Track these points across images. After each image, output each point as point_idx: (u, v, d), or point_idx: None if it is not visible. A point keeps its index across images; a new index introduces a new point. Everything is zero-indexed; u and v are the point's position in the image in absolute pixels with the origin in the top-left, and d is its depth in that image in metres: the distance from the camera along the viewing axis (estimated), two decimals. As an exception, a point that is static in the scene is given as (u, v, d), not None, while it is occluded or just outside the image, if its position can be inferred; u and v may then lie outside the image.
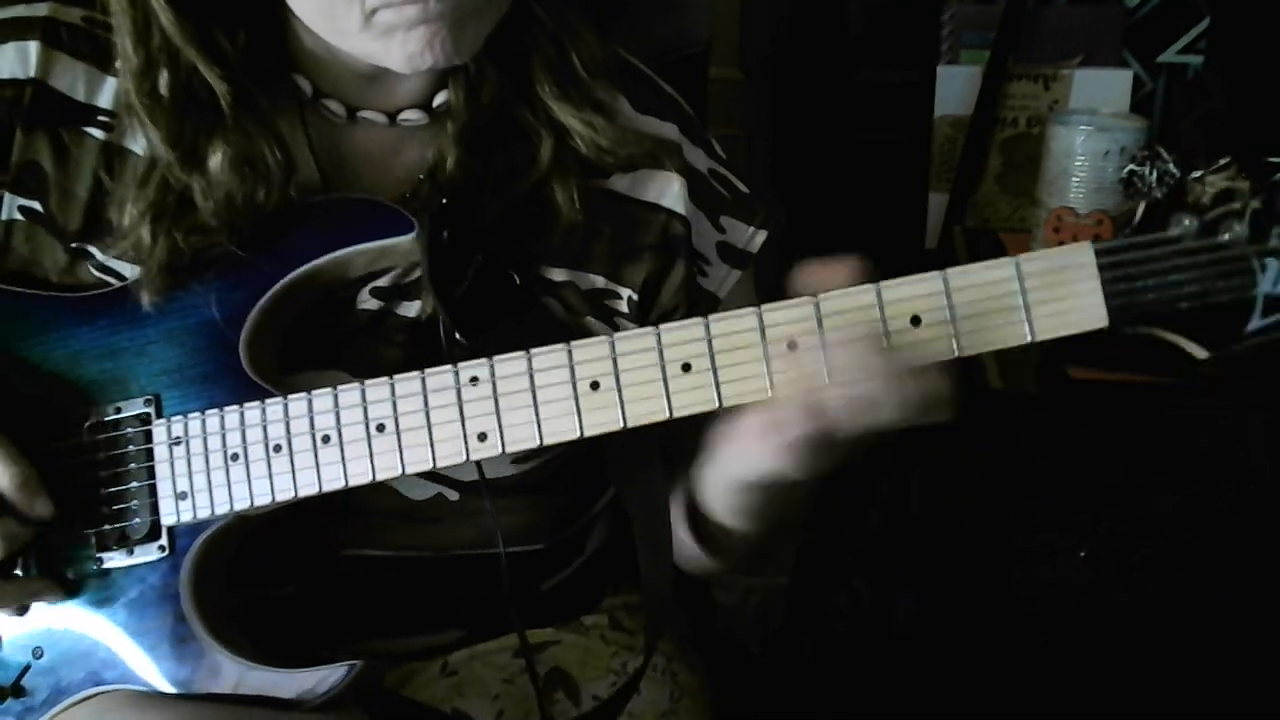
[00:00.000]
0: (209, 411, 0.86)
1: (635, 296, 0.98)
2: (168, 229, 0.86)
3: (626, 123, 0.97)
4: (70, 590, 0.88)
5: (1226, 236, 0.73)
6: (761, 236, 1.04)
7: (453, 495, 0.95)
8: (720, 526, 0.95)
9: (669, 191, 0.98)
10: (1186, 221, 0.74)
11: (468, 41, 0.84)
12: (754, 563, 1.06)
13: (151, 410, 0.87)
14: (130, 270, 0.90)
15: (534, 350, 0.80)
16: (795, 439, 0.76)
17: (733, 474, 0.87)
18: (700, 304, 1.00)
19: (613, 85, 0.96)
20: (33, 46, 0.89)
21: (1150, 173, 1.53)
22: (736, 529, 0.95)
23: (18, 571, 0.87)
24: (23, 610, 0.88)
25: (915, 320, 0.76)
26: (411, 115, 0.94)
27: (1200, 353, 0.76)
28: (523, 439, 0.80)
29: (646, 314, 0.99)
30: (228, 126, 0.86)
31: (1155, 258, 0.74)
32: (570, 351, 0.79)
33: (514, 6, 0.89)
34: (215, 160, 0.86)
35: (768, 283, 1.08)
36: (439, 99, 0.94)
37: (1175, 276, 0.73)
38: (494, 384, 0.80)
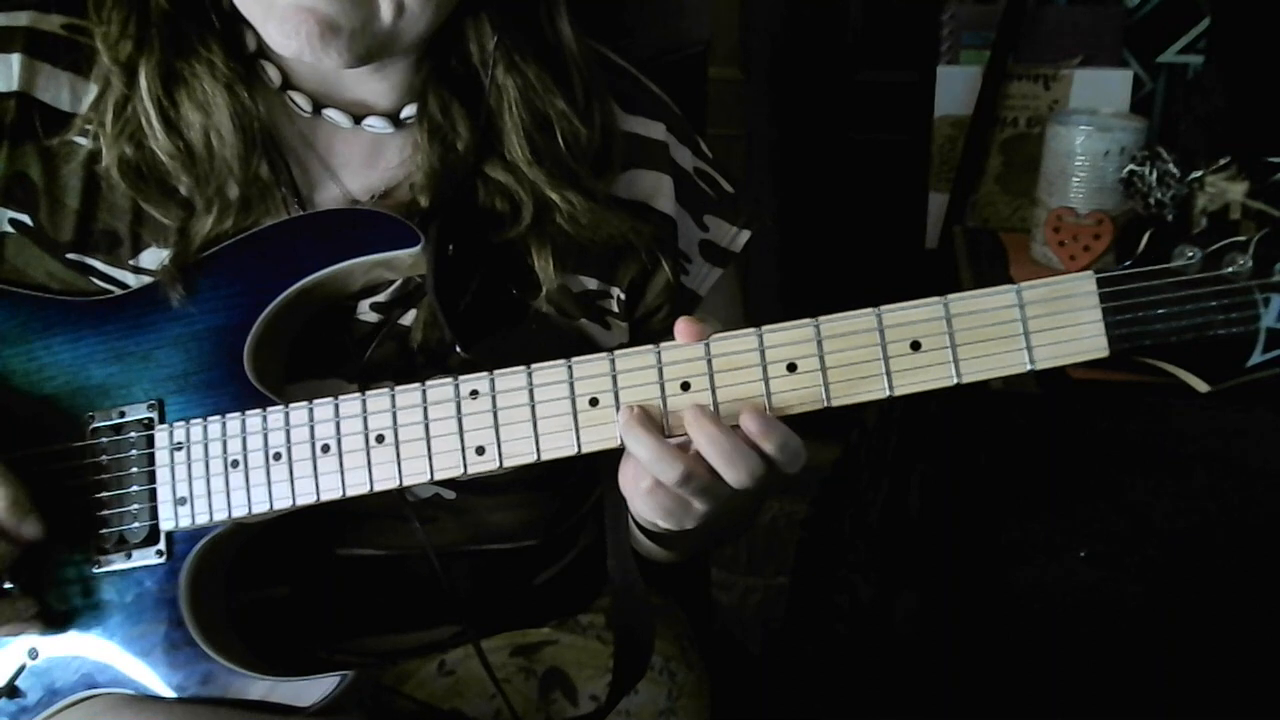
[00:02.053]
0: (211, 418, 0.86)
1: (623, 296, 0.98)
2: (120, 134, 0.88)
3: (619, 124, 0.97)
4: (55, 621, 0.88)
5: (1230, 270, 0.73)
6: (745, 236, 1.04)
7: (449, 495, 0.95)
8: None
9: (658, 192, 0.99)
10: (1190, 253, 0.73)
11: (340, 48, 0.84)
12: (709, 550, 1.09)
13: (154, 415, 0.87)
14: (135, 280, 0.90)
15: (534, 366, 0.80)
16: (652, 487, 0.80)
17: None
18: (682, 302, 1.00)
19: (594, 174, 0.96)
20: (15, 59, 0.89)
21: (1150, 173, 1.53)
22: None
23: (8, 585, 0.87)
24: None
25: (915, 345, 0.76)
26: (375, 122, 0.94)
27: (1202, 386, 0.76)
28: (521, 454, 0.81)
29: (632, 313, 0.99)
30: (153, 46, 0.87)
31: (1157, 289, 0.74)
32: (570, 368, 0.80)
33: (483, 70, 0.90)
34: (144, 77, 0.87)
35: (762, 281, 1.08)
36: (407, 111, 0.94)
37: (1177, 309, 0.73)
38: (494, 398, 0.81)
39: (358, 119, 0.93)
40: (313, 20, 0.82)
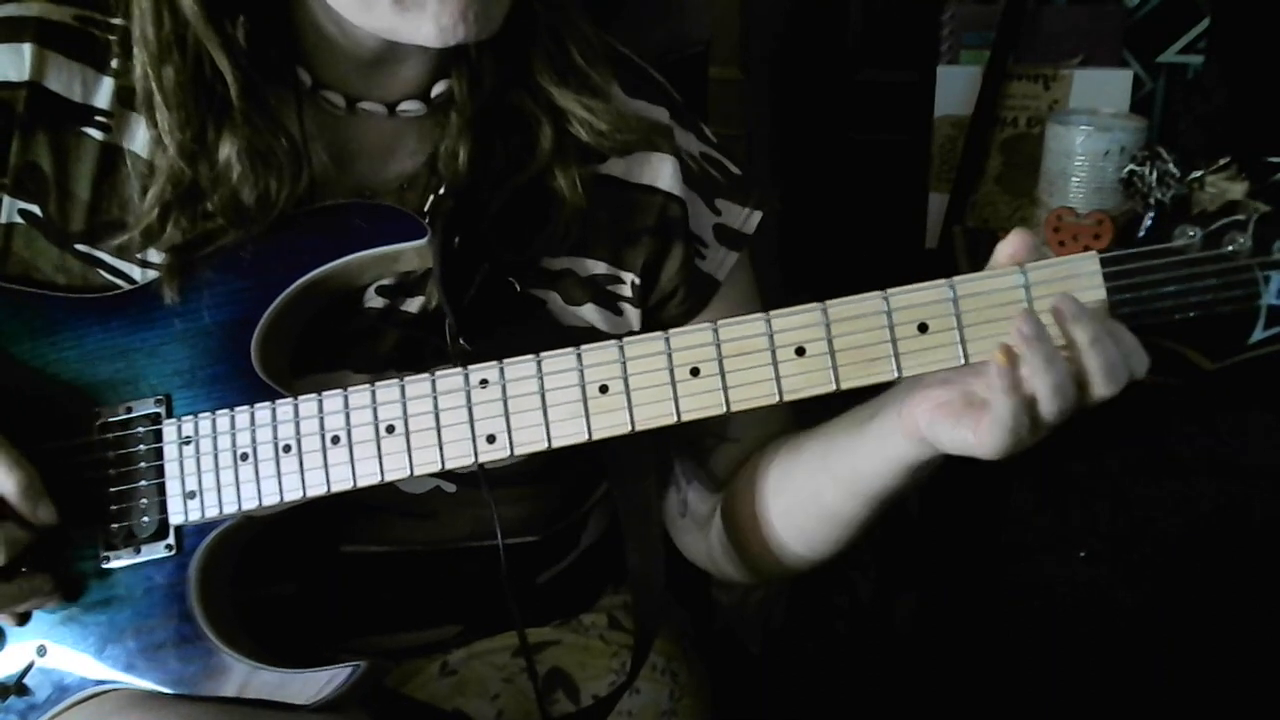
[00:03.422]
0: (219, 411, 0.86)
1: (638, 280, 0.98)
2: (176, 218, 0.87)
3: (621, 106, 0.97)
4: (70, 592, 0.88)
5: (1230, 248, 0.74)
6: (757, 217, 1.04)
7: (450, 488, 0.95)
8: (801, 528, 0.96)
9: (664, 174, 0.98)
10: (1191, 233, 0.74)
11: (496, 15, 0.84)
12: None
13: (162, 410, 0.87)
14: (141, 273, 0.90)
15: (544, 354, 0.80)
16: (1004, 415, 0.74)
17: (905, 455, 0.83)
18: (700, 286, 1.00)
19: (608, 72, 0.96)
20: (27, 49, 0.89)
21: (1150, 173, 1.54)
22: (830, 529, 0.94)
23: (23, 569, 0.87)
24: (24, 619, 0.88)
25: (922, 327, 0.76)
26: (410, 106, 0.93)
27: (1206, 363, 0.76)
28: (531, 442, 0.81)
29: (647, 297, 0.99)
30: (236, 118, 0.86)
31: (1160, 268, 0.74)
32: (580, 355, 0.80)
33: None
34: (224, 152, 0.86)
35: (762, 280, 1.08)
36: (437, 89, 0.94)
37: (1179, 287, 0.74)
38: (504, 387, 0.81)
39: (391, 107, 0.94)
40: (476, 1, 0.82)
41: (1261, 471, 1.52)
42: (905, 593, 1.81)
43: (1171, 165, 1.53)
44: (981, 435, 0.76)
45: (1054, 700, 1.57)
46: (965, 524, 1.65)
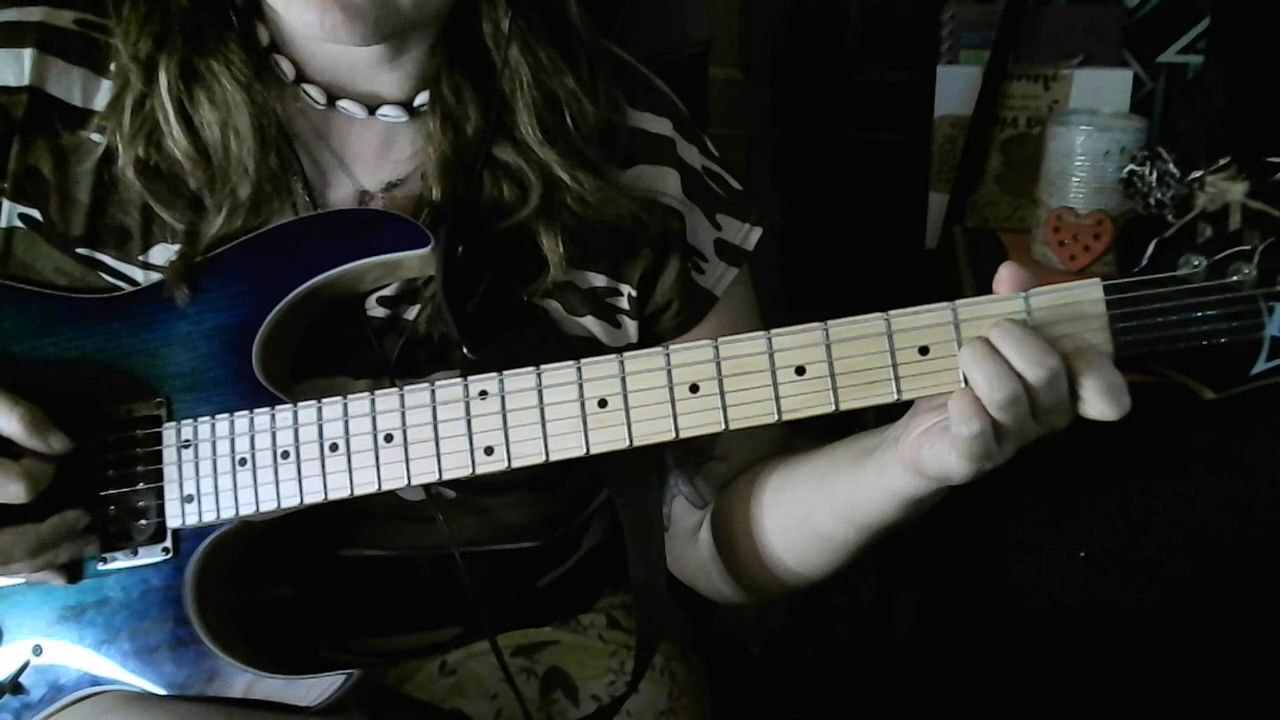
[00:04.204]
0: (219, 416, 0.86)
1: (634, 292, 0.98)
2: (136, 133, 0.87)
3: (617, 181, 0.96)
4: (105, 542, 0.87)
5: (1235, 278, 0.73)
6: (757, 234, 1.04)
7: (449, 494, 0.95)
8: (802, 551, 0.96)
9: (665, 187, 0.99)
10: (1196, 262, 0.74)
11: (365, 29, 0.84)
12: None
13: (162, 413, 0.87)
14: (144, 276, 0.90)
15: (544, 366, 0.80)
16: (976, 436, 0.74)
17: (903, 487, 0.83)
18: (696, 300, 1.00)
19: (613, 162, 0.96)
20: (27, 54, 0.89)
21: (1150, 173, 1.54)
22: (828, 554, 0.95)
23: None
24: (73, 574, 0.87)
25: (923, 350, 0.76)
26: (389, 111, 0.94)
27: (1207, 393, 0.76)
28: (529, 454, 0.81)
29: (642, 310, 0.99)
30: (174, 38, 0.87)
31: (1164, 297, 0.74)
32: (580, 369, 0.80)
33: (496, 49, 0.90)
34: (164, 76, 0.87)
35: (762, 281, 1.08)
36: (420, 99, 0.94)
37: (1183, 316, 0.74)
38: (503, 399, 0.81)
39: (371, 109, 0.94)
40: (335, 5, 0.82)
41: (1264, 470, 1.52)
42: (905, 594, 1.80)
43: (1171, 165, 1.53)
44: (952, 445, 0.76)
45: (1055, 701, 1.56)
46: (965, 525, 1.65)
